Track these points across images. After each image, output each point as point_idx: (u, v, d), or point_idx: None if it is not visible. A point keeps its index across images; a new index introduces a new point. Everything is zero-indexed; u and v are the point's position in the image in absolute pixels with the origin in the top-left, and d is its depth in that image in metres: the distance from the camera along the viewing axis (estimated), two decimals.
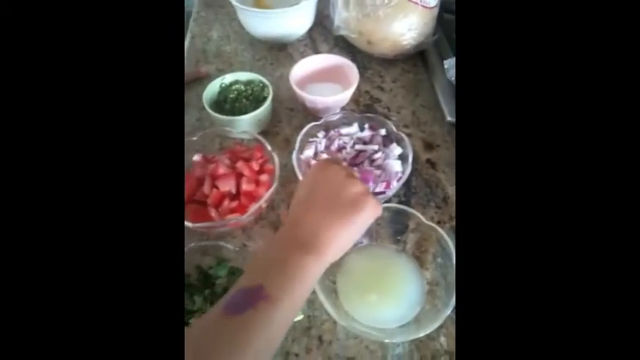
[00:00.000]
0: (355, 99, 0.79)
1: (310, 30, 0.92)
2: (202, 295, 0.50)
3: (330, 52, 0.88)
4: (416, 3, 0.77)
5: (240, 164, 0.60)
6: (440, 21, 0.85)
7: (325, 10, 0.89)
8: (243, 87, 0.73)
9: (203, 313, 0.49)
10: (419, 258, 0.57)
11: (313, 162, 0.64)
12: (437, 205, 0.65)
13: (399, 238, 0.58)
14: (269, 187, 0.58)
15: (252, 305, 0.34)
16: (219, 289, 0.50)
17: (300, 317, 0.53)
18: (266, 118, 0.72)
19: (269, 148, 0.62)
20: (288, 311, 0.36)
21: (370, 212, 0.42)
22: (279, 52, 0.90)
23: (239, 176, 0.59)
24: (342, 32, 0.84)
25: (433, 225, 0.55)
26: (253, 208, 0.56)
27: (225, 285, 0.51)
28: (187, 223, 0.53)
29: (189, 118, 0.77)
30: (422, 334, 0.47)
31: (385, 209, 0.58)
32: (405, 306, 0.52)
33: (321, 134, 0.68)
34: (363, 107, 0.79)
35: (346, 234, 0.41)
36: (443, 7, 0.85)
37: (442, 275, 0.53)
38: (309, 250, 0.38)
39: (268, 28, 0.86)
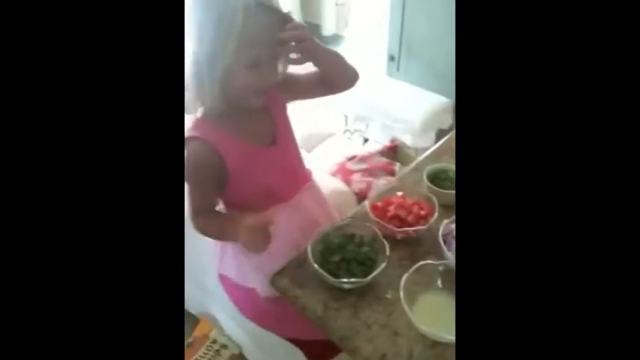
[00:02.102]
0: None
1: None
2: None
3: None
4: None
5: (415, 208, 1.04)
6: None
7: None
8: (451, 174, 1.16)
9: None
10: None
11: None
12: None
13: None
14: (419, 227, 1.00)
15: None
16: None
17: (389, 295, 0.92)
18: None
19: (436, 212, 1.04)
20: None
21: None
22: None
23: (410, 212, 1.03)
24: None
25: None
26: (405, 229, 1.00)
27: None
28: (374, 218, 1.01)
29: (408, 177, 1.24)
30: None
31: None
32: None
33: None
34: None
35: None
36: None
37: None
38: None
39: None
